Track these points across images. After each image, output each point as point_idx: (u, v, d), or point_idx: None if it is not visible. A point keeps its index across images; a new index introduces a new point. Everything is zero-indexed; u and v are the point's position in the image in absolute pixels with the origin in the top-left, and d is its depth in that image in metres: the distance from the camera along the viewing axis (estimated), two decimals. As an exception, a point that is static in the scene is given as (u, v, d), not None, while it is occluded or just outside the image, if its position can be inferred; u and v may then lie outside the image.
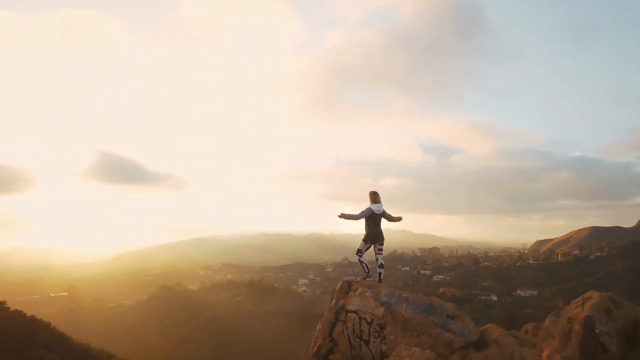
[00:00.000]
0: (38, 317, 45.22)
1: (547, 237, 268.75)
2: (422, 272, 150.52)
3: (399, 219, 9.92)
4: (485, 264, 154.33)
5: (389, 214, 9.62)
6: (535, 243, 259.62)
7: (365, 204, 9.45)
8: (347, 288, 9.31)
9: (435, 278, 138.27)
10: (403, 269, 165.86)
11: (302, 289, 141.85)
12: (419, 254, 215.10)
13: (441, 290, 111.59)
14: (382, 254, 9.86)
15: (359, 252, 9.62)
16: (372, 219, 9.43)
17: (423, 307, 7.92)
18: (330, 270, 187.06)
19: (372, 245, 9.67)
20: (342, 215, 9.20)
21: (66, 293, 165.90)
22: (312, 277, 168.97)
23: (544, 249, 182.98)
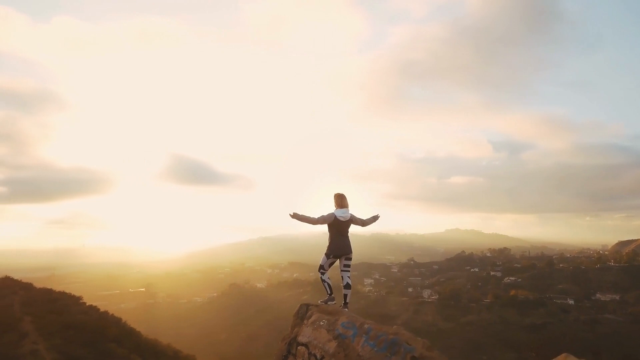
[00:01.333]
0: (110, 313, 47.79)
1: (631, 238, 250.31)
2: (492, 273, 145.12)
3: (374, 218, 8.41)
4: (561, 265, 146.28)
5: (359, 219, 8.14)
6: (616, 244, 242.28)
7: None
8: (304, 313, 7.79)
9: (506, 280, 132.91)
10: (472, 270, 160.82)
11: (368, 288, 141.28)
12: (488, 254, 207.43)
13: (512, 292, 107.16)
14: (349, 270, 8.13)
15: (321, 268, 8.09)
16: (336, 227, 7.87)
17: (385, 344, 6.28)
18: (396, 270, 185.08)
19: (338, 260, 8.10)
20: (295, 216, 7.65)
21: (143, 289, 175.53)
22: (377, 277, 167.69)
23: (626, 250, 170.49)
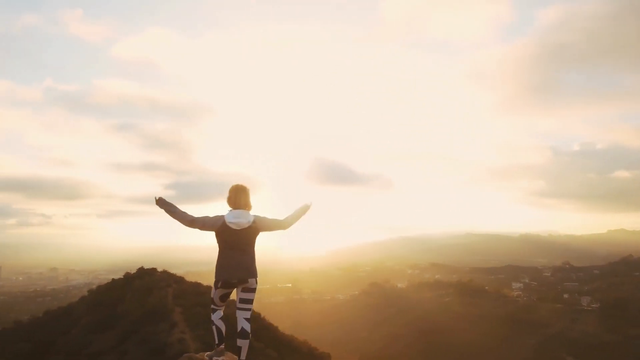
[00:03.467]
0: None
1: None
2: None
3: (302, 210, 5.59)
4: None
5: (270, 221, 5.44)
6: None
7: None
8: None
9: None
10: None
11: (516, 293, 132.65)
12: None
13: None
14: (248, 309, 5.45)
15: (212, 303, 5.69)
16: (225, 238, 5.23)
17: None
18: (549, 274, 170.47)
19: (234, 290, 5.54)
20: (161, 203, 5.18)
21: (290, 285, 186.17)
22: (527, 281, 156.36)
23: None
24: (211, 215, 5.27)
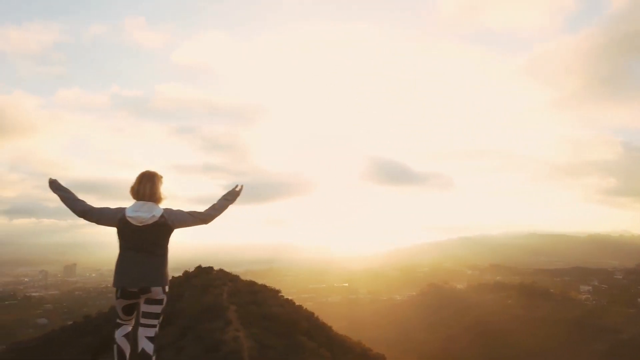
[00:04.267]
0: (303, 307, 50.36)
1: None
2: None
3: (231, 196, 4.67)
4: None
5: (185, 215, 4.37)
6: None
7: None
8: None
9: None
10: None
11: (584, 296, 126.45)
12: None
13: None
14: (153, 325, 4.33)
15: (117, 318, 4.55)
16: (124, 235, 4.24)
17: None
18: (620, 277, 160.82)
19: (137, 302, 4.35)
20: (53, 185, 4.36)
21: (347, 284, 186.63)
22: (596, 283, 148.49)
23: None
24: (111, 208, 4.23)
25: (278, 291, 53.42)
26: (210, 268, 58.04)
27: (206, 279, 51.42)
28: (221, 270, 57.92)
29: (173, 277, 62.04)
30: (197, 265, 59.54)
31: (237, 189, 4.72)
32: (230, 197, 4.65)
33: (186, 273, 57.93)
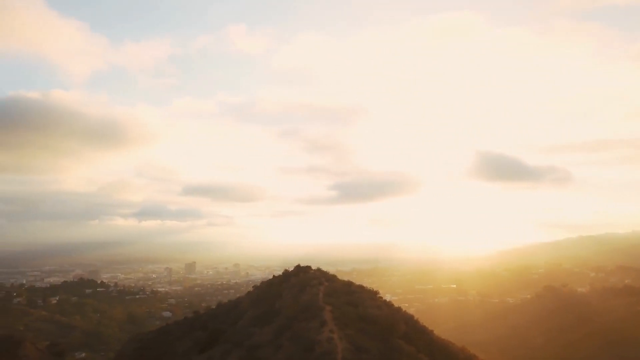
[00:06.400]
0: (402, 310, 49.18)
1: None
2: None
3: None
4: None
5: None
6: None
7: None
8: None
9: None
10: None
11: None
12: None
13: None
14: None
15: None
16: None
17: None
18: None
19: None
20: None
21: (455, 285, 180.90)
22: None
23: None
24: None
25: (376, 292, 52.70)
26: (308, 267, 59.34)
27: (304, 279, 52.51)
28: (319, 270, 59.10)
29: (273, 275, 64.66)
30: (307, 263, 61.34)
31: None
32: None
33: (285, 272, 59.91)
